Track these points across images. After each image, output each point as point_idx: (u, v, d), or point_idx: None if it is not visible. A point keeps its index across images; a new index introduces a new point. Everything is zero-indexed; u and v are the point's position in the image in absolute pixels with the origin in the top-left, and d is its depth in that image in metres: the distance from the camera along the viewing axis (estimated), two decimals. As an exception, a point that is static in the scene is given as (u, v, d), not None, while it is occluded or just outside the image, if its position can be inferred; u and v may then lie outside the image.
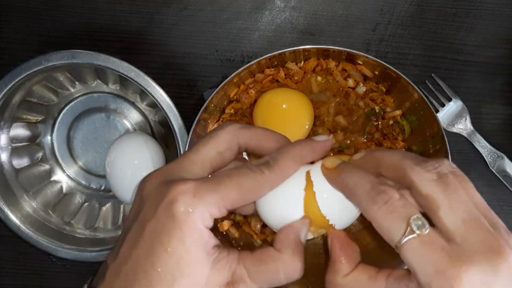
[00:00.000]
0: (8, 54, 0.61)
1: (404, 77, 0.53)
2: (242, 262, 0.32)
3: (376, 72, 0.56)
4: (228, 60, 0.61)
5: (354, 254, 0.35)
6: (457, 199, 0.30)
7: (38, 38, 0.61)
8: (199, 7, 0.61)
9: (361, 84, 0.57)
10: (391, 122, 0.58)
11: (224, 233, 0.58)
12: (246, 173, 0.33)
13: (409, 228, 0.29)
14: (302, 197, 0.36)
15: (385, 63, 0.53)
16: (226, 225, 0.58)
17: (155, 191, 0.32)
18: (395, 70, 0.53)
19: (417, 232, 0.29)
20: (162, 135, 0.62)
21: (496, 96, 0.61)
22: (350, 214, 0.36)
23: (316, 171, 0.36)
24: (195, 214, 0.31)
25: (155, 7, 0.61)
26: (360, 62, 0.56)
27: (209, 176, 0.34)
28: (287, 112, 0.57)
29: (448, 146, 0.53)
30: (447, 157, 0.53)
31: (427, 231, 0.29)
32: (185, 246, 0.31)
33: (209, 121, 0.58)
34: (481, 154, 0.60)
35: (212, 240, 0.32)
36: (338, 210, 0.36)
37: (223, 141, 0.35)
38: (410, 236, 0.29)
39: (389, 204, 0.31)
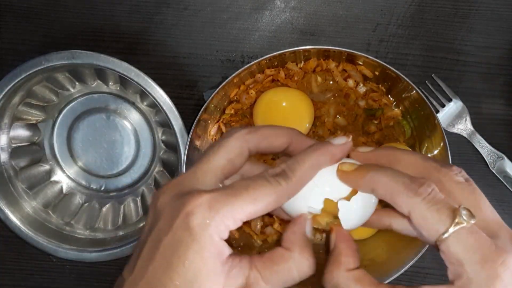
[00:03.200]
0: (8, 54, 0.61)
1: (404, 77, 0.53)
2: (254, 267, 0.33)
3: (376, 73, 0.56)
4: (228, 61, 0.61)
5: (357, 254, 0.35)
6: (486, 202, 0.33)
7: (38, 38, 0.61)
8: (199, 8, 0.61)
9: (361, 85, 0.58)
10: (391, 123, 0.58)
11: None
12: (263, 185, 0.33)
13: (457, 219, 0.30)
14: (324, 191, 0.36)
15: (385, 64, 0.53)
16: None
17: (169, 204, 0.32)
18: (395, 70, 0.53)
19: (465, 222, 0.30)
20: (162, 135, 0.62)
21: (496, 96, 0.61)
22: (361, 218, 0.36)
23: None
24: (211, 227, 0.31)
25: (155, 7, 0.61)
26: (360, 63, 0.56)
27: (223, 185, 0.34)
28: (287, 110, 0.57)
29: (448, 147, 0.53)
30: (447, 157, 0.53)
31: (474, 221, 0.30)
32: (203, 259, 0.31)
33: (209, 121, 0.58)
34: (481, 154, 0.60)
35: (227, 250, 0.32)
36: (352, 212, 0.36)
37: (233, 149, 0.34)
38: (459, 226, 0.30)
39: (432, 195, 0.31)
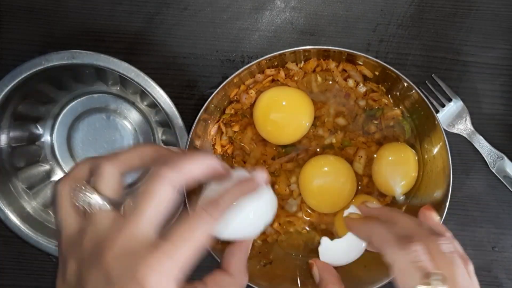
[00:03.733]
0: (8, 54, 0.61)
1: (404, 77, 0.53)
2: None
3: (376, 73, 0.56)
4: (228, 61, 0.61)
5: (340, 281, 0.45)
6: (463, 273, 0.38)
7: (38, 38, 0.61)
8: (199, 8, 0.61)
9: (361, 85, 0.58)
10: (391, 123, 0.58)
11: None
12: (198, 228, 0.36)
13: (427, 280, 0.35)
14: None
15: (385, 64, 0.53)
16: None
17: (120, 267, 0.34)
18: (395, 70, 0.53)
19: (433, 286, 0.35)
20: (162, 135, 0.62)
21: (496, 96, 0.61)
22: (340, 259, 0.50)
23: None
24: (164, 284, 0.34)
25: (155, 7, 0.61)
26: (360, 63, 0.56)
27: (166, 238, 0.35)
28: (287, 109, 0.57)
29: (448, 147, 0.53)
30: (447, 158, 0.53)
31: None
32: None
33: (209, 121, 0.58)
34: (481, 154, 0.60)
35: None
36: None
37: (162, 198, 0.36)
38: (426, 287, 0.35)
39: (415, 254, 0.37)
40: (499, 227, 0.61)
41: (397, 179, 0.57)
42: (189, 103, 0.61)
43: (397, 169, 0.57)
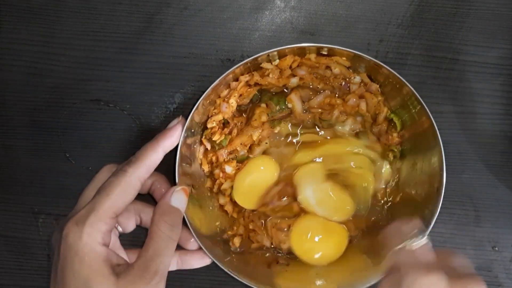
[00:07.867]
0: (8, 54, 0.61)
1: (403, 79, 0.52)
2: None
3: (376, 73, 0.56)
4: (228, 60, 0.61)
5: None
6: None
7: (38, 38, 0.61)
8: (199, 7, 0.61)
9: (356, 76, 0.57)
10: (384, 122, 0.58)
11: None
12: (111, 181, 0.40)
13: None
14: None
15: (382, 63, 0.52)
16: (236, 242, 0.58)
17: (55, 239, 0.40)
18: (392, 70, 0.52)
19: None
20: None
21: (496, 96, 0.61)
22: None
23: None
24: (84, 237, 0.38)
25: (155, 7, 0.61)
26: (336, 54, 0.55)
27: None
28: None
29: (442, 145, 0.51)
30: (441, 155, 0.51)
31: None
32: (87, 265, 0.37)
33: (195, 146, 0.56)
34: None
35: (114, 257, 0.39)
36: None
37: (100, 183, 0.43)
38: None
39: None
40: (499, 227, 0.61)
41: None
42: (190, 103, 0.61)
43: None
